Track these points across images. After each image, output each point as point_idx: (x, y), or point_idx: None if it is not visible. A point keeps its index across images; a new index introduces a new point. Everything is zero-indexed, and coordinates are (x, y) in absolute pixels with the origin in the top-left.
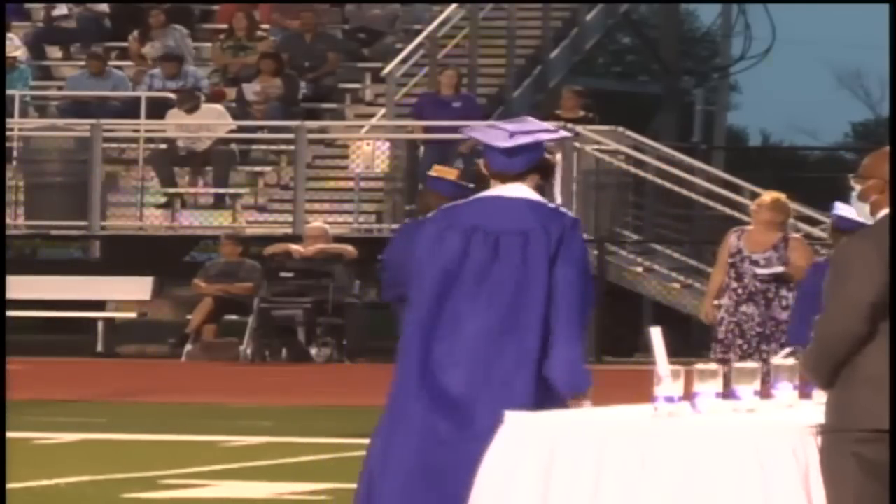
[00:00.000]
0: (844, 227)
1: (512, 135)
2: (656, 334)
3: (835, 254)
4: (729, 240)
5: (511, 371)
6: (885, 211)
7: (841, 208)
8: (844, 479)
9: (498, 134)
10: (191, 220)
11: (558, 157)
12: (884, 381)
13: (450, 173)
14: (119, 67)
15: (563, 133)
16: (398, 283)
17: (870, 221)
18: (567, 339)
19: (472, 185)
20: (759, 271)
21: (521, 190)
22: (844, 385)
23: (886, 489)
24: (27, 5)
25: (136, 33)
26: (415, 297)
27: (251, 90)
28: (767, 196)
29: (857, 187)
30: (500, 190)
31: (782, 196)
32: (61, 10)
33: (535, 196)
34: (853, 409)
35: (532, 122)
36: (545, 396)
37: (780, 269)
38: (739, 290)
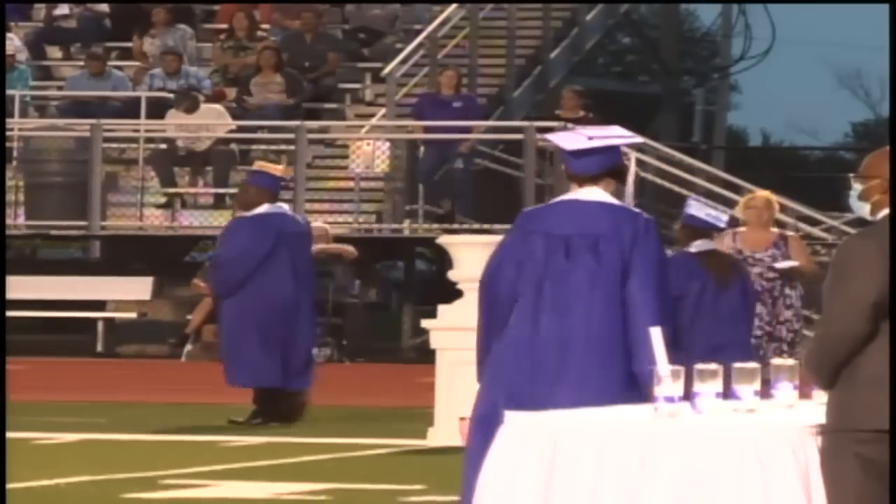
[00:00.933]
0: (694, 226)
1: (589, 139)
2: (656, 334)
3: (836, 254)
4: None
5: (588, 371)
6: (885, 211)
7: (693, 206)
8: (845, 479)
9: (576, 138)
10: (191, 220)
11: (633, 160)
12: (885, 382)
13: (273, 168)
14: (119, 67)
15: (637, 138)
16: (235, 279)
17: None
18: (648, 308)
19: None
20: (777, 265)
21: (595, 193)
22: (845, 385)
23: (887, 489)
24: (26, 5)
25: (138, 31)
26: (493, 300)
27: (254, 83)
28: (760, 195)
29: (858, 187)
30: (575, 194)
31: (769, 194)
32: (62, 9)
33: (609, 199)
34: (854, 410)
35: (609, 129)
36: (627, 393)
37: (795, 262)
38: None
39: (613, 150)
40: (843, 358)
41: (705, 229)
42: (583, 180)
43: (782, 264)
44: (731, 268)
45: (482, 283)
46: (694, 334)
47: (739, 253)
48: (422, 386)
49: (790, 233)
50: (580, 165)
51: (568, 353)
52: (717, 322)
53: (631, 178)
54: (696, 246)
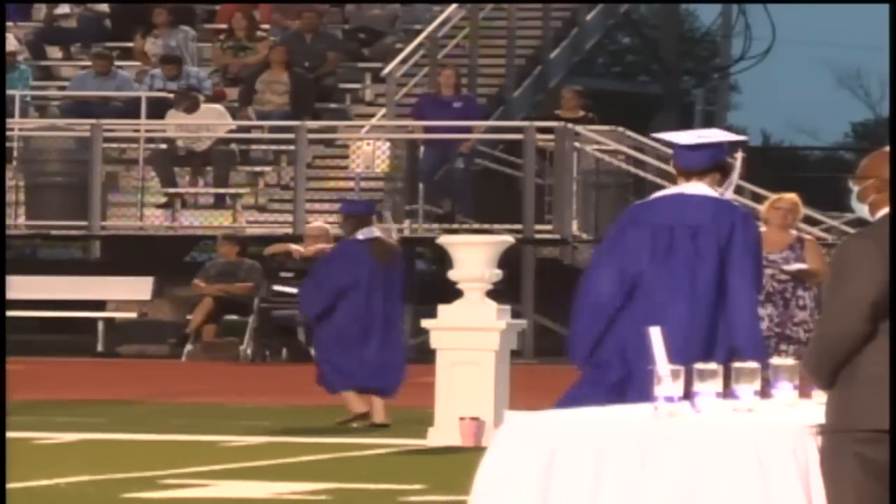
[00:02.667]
0: (350, 212)
1: (699, 137)
2: (656, 334)
3: (835, 254)
4: None
5: (688, 351)
6: (883, 210)
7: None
8: (845, 479)
9: (686, 135)
10: (191, 221)
11: (739, 158)
12: (885, 381)
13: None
14: (120, 67)
15: (742, 137)
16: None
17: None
18: (746, 314)
19: None
20: (786, 268)
21: (699, 187)
22: (845, 385)
23: (887, 489)
24: (26, 5)
25: (141, 31)
26: (598, 285)
27: (261, 80)
28: (787, 197)
29: (856, 188)
30: (681, 188)
31: (796, 197)
32: (63, 9)
33: (711, 192)
34: (854, 410)
35: (716, 130)
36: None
37: (804, 266)
38: None
39: (720, 147)
40: (842, 358)
41: (360, 214)
42: (690, 174)
43: (790, 267)
44: (392, 252)
45: (591, 268)
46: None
47: None
48: (422, 386)
49: (807, 236)
50: (690, 160)
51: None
52: (388, 300)
53: (735, 175)
54: (363, 233)
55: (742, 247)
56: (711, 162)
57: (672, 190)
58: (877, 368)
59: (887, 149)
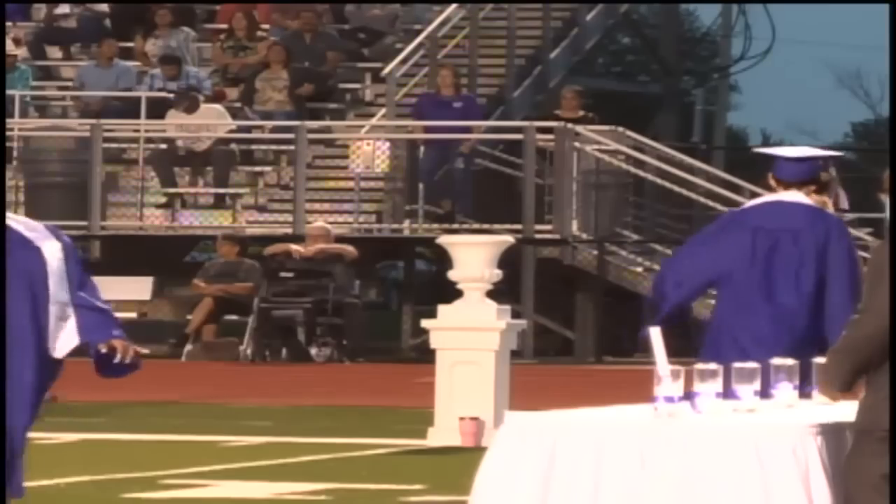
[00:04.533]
0: None
1: (800, 151)
2: (656, 334)
3: (871, 257)
4: None
5: (790, 348)
6: None
7: None
8: (865, 476)
9: (788, 149)
10: (191, 220)
11: (833, 173)
12: None
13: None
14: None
15: (838, 153)
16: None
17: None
18: (846, 313)
19: None
20: None
21: (796, 196)
22: (876, 387)
23: None
24: (27, 5)
25: (142, 32)
26: (683, 279)
27: (260, 79)
28: None
29: (887, 201)
30: (779, 196)
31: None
32: (63, 8)
33: (808, 201)
34: (879, 410)
35: (811, 148)
36: None
37: None
38: None
39: (818, 161)
40: (864, 360)
41: None
42: (789, 184)
43: None
44: None
45: (677, 260)
46: None
47: None
48: (422, 386)
49: None
50: (792, 171)
51: (776, 333)
52: None
53: (836, 186)
54: None
55: (839, 256)
56: (809, 174)
57: (769, 197)
58: None
59: None
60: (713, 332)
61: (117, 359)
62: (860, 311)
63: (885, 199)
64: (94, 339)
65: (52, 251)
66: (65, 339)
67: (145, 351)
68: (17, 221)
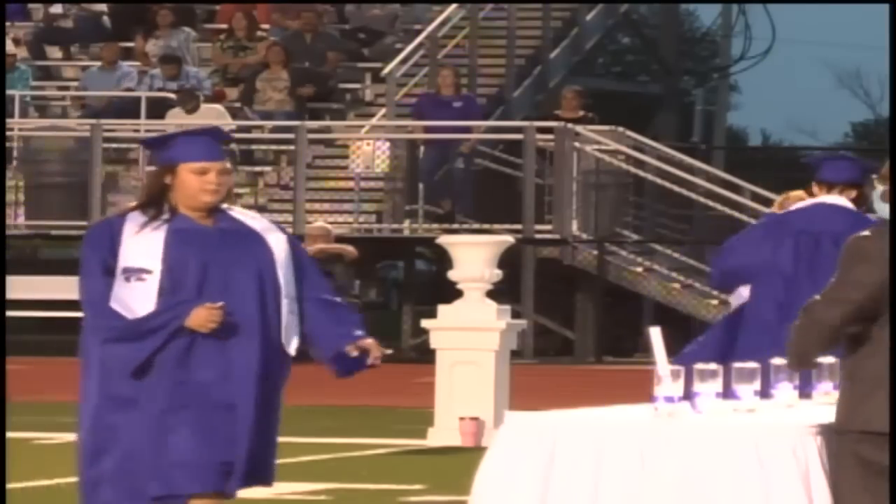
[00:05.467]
0: None
1: (842, 154)
2: (656, 334)
3: (846, 245)
4: None
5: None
6: None
7: None
8: (846, 479)
9: (832, 153)
10: None
11: (873, 180)
12: (885, 383)
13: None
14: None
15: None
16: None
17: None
18: None
19: None
20: None
21: (837, 199)
22: (850, 386)
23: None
24: (26, 5)
25: (142, 32)
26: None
27: (260, 79)
28: (792, 195)
29: (880, 188)
30: (822, 199)
31: (804, 194)
32: (56, 8)
33: (847, 204)
34: (856, 411)
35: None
36: None
37: None
38: None
39: (861, 165)
40: (819, 344)
41: None
42: (831, 187)
43: None
44: None
45: (726, 253)
46: None
47: None
48: (422, 386)
49: None
50: (833, 174)
51: None
52: None
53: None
54: None
55: None
56: (851, 178)
57: (812, 201)
58: (879, 370)
59: None
60: (750, 332)
61: (370, 361)
62: (825, 294)
63: (880, 187)
64: (338, 342)
65: (278, 243)
66: (298, 336)
67: (389, 351)
68: (239, 213)
